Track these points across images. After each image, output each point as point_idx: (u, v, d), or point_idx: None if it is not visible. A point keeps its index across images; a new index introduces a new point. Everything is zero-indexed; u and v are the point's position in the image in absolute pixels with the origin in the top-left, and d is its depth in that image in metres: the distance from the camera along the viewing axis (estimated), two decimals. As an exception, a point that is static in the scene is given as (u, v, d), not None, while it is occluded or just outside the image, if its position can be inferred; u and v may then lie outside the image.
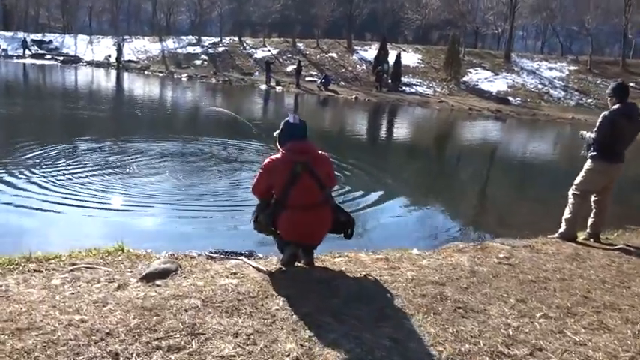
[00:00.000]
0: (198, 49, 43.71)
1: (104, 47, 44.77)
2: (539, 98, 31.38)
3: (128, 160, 8.76)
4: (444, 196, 8.96)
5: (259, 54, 41.73)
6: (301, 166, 3.43)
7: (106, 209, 6.03)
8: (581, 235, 5.50)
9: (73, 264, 3.76)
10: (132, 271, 3.64)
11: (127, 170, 7.94)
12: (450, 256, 4.31)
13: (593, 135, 5.31)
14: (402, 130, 19.94)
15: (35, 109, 15.57)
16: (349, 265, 3.95)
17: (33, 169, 7.45)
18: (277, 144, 3.69)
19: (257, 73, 37.19)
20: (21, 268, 3.67)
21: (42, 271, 3.62)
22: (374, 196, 7.55)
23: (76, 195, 6.37)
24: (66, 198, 6.24)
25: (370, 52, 39.40)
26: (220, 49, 43.34)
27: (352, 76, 36.75)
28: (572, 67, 35.43)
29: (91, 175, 7.38)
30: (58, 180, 6.99)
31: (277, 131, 3.72)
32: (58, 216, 5.69)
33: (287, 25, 48.33)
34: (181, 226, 5.78)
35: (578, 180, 5.43)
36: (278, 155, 3.54)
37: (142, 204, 6.33)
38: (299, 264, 3.79)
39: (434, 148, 16.23)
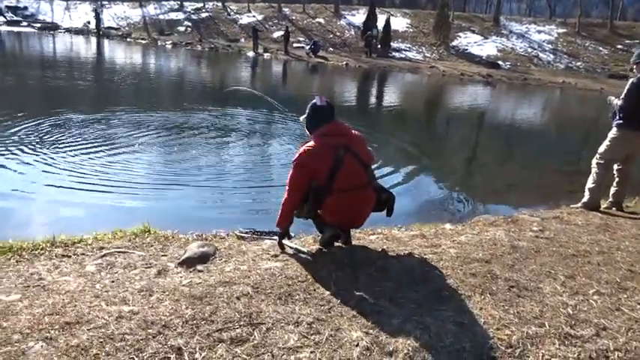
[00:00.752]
0: (180, 15, 42.51)
1: (82, 13, 43.32)
2: (529, 62, 31.26)
3: (133, 134, 8.45)
4: (455, 166, 8.87)
5: (244, 20, 40.74)
6: (343, 149, 3.28)
7: (117, 188, 5.79)
8: (602, 204, 5.47)
9: (102, 248, 3.61)
10: (166, 255, 3.50)
11: (134, 146, 7.64)
12: (484, 231, 4.23)
13: (619, 102, 5.20)
14: (399, 98, 19.70)
15: (25, 79, 14.89)
16: (387, 243, 3.85)
17: (33, 146, 7.14)
18: (307, 129, 3.52)
19: (243, 40, 36.37)
20: (47, 253, 3.51)
21: (70, 257, 3.47)
22: (386, 169, 7.42)
23: (83, 175, 6.10)
24: (73, 177, 5.98)
25: (358, 17, 38.70)
26: (204, 15, 42.19)
27: (340, 41, 36.14)
28: (560, 30, 35.24)
29: (94, 152, 7.09)
30: (61, 157, 6.71)
31: (304, 116, 3.54)
32: (67, 197, 5.42)
33: (271, -12, 47.03)
34: (201, 205, 5.57)
35: (602, 148, 5.35)
36: (312, 142, 3.36)
37: (157, 182, 6.07)
38: (337, 243, 3.67)
39: (435, 116, 16.11)
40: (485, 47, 33.22)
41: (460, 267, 3.31)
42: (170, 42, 34.06)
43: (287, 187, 3.39)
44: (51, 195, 5.42)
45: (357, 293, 2.84)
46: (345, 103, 15.94)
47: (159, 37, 36.22)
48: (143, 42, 34.26)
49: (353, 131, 3.45)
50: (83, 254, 3.50)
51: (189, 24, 40.45)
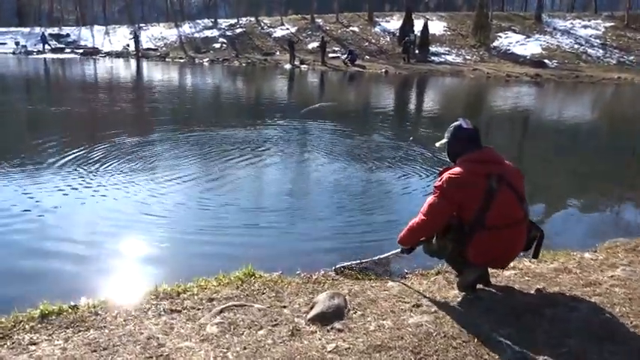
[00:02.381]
0: (215, 32, 42.90)
1: (121, 36, 44.23)
2: (577, 59, 30.03)
3: (207, 157, 8.11)
4: (547, 175, 8.11)
5: (278, 33, 40.77)
6: (497, 179, 2.81)
7: (198, 222, 5.38)
8: None
9: (212, 299, 3.21)
10: (286, 306, 3.08)
11: (212, 171, 7.31)
12: (634, 259, 3.66)
13: None
14: (456, 103, 18.95)
15: (92, 104, 14.62)
16: (530, 281, 3.33)
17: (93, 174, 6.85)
18: (448, 156, 3.10)
19: (278, 53, 36.33)
20: (154, 307, 3.13)
21: (181, 311, 3.09)
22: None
23: (148, 205, 5.73)
24: (144, 214, 5.61)
25: (392, 23, 38.17)
26: (238, 31, 42.44)
27: (376, 49, 35.65)
28: (607, 24, 33.81)
29: (167, 180, 6.72)
30: (129, 188, 6.35)
31: (444, 140, 3.10)
32: (145, 235, 5.03)
33: (304, 0, 47.06)
34: (287, 236, 5.11)
35: None
36: (460, 168, 2.90)
37: (238, 213, 5.60)
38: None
39: (506, 121, 15.13)
40: (529, 46, 32.13)
41: (642, 314, 2.76)
42: (207, 59, 34.31)
43: (423, 212, 2.96)
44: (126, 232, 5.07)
45: (542, 358, 2.34)
46: (402, 112, 15.43)
47: (196, 55, 36.59)
48: (181, 61, 34.63)
49: (504, 159, 2.97)
50: (194, 308, 3.11)
51: (225, 40, 40.74)
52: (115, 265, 4.32)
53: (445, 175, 2.91)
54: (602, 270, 3.50)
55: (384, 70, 28.32)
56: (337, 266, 4.02)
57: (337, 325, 2.70)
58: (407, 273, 3.87)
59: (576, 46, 31.86)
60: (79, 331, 2.87)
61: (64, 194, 5.96)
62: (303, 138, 10.13)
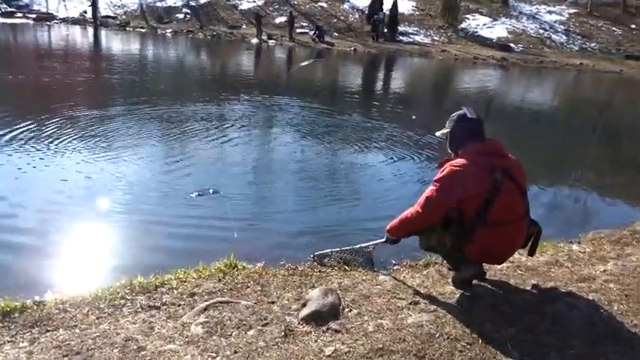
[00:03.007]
0: (178, 2, 41.24)
1: (77, 2, 41.98)
2: (541, 44, 30.47)
3: (174, 133, 7.74)
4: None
5: (244, 5, 39.59)
6: (501, 172, 2.67)
7: (167, 206, 5.09)
8: None
9: (193, 294, 2.99)
10: (274, 302, 2.89)
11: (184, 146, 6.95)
12: (625, 254, 3.64)
13: None
14: (426, 84, 18.93)
15: (46, 74, 13.64)
16: (523, 275, 3.26)
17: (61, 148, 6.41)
18: (450, 146, 2.94)
19: (244, 26, 35.36)
20: (129, 303, 2.89)
21: (160, 308, 2.86)
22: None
23: (117, 189, 5.41)
24: (112, 193, 5.29)
25: (361, 0, 37.64)
26: (202, 1, 40.95)
27: (345, 26, 35.11)
28: (571, 10, 34.36)
29: (131, 159, 6.34)
30: (92, 166, 5.98)
31: (445, 130, 2.93)
32: (114, 221, 4.72)
33: (271, -27, 45.75)
34: (262, 220, 4.89)
35: None
36: (463, 160, 2.74)
37: (209, 195, 5.38)
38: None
39: (472, 103, 15.23)
40: (496, 29, 32.37)
41: (642, 312, 2.71)
42: (170, 30, 33.03)
43: (419, 204, 2.79)
44: (95, 216, 4.75)
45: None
46: (374, 91, 15.27)
47: (158, 26, 35.11)
48: (142, 31, 33.20)
49: (510, 154, 2.84)
50: (174, 304, 2.89)
51: (188, 11, 39.27)
52: (79, 256, 3.98)
53: (447, 168, 2.76)
54: (592, 264, 3.46)
55: (352, 48, 27.99)
56: (316, 254, 3.86)
57: (333, 325, 2.53)
58: (395, 265, 3.74)
59: (541, 31, 32.30)
60: (47, 331, 2.61)
61: (13, 176, 5.48)
62: (277, 116, 9.84)
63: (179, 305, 2.88)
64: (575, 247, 3.81)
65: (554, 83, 21.37)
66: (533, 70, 24.25)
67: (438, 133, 3.00)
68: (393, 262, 3.77)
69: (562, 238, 4.17)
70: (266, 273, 3.36)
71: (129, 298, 2.95)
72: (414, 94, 16.12)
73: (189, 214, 4.80)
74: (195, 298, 2.96)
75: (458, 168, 2.70)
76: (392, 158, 7.19)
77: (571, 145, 9.46)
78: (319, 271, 3.44)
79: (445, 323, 2.52)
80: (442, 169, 2.79)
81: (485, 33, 32.22)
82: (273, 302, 2.89)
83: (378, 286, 3.05)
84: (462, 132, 2.83)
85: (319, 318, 2.58)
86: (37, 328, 2.61)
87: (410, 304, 2.75)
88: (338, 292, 2.94)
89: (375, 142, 8.11)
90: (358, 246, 3.75)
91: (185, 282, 3.18)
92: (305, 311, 2.65)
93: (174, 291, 3.05)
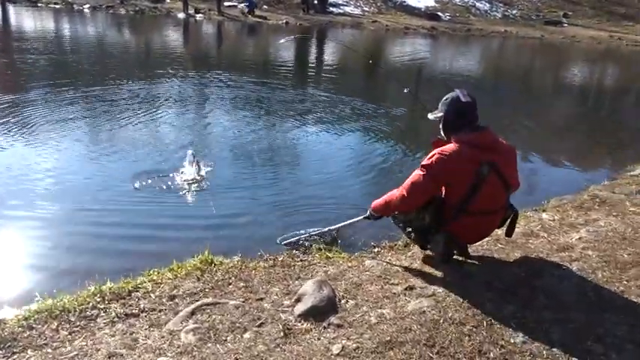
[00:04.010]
0: (94, -25, 38.58)
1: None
2: (467, 12, 31.28)
3: (109, 115, 7.19)
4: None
5: (167, -23, 37.63)
6: (488, 167, 2.68)
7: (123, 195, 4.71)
8: None
9: (173, 296, 2.78)
10: (262, 299, 2.74)
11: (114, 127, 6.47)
12: (592, 220, 3.78)
13: None
14: (362, 56, 18.82)
15: None
16: (504, 248, 3.29)
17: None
18: (442, 130, 2.90)
19: (168, 0, 33.69)
20: (104, 313, 2.64)
21: (139, 315, 2.65)
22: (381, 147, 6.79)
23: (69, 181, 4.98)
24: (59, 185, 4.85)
25: (289, -29, 36.85)
26: (120, -26, 38.52)
27: (274, -2, 34.34)
28: (493, -22, 35.40)
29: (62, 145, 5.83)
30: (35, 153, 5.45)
31: (437, 113, 2.89)
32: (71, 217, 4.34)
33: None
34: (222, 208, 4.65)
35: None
36: (453, 147, 2.73)
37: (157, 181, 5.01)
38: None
39: (406, 71, 15.41)
40: (423, -1, 32.82)
41: (626, 278, 2.81)
42: (88, 6, 30.81)
43: (405, 188, 2.82)
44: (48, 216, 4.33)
45: (556, 337, 2.27)
46: (311, 64, 15.04)
47: (74, 1, 32.75)
48: (57, 7, 30.81)
49: (504, 143, 2.81)
50: (154, 310, 2.67)
51: (106, -15, 36.83)
52: (25, 263, 3.58)
53: (435, 155, 2.73)
54: (565, 232, 3.56)
55: (284, 21, 27.44)
56: (284, 242, 3.77)
57: (334, 319, 2.43)
58: (374, 246, 3.69)
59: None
60: (13, 353, 2.34)
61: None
62: (217, 93, 9.43)
63: (160, 311, 2.67)
64: (544, 215, 3.91)
65: (483, 50, 22.04)
66: (461, 39, 24.87)
67: (430, 116, 2.94)
68: (372, 243, 3.72)
69: (527, 207, 4.27)
70: (246, 267, 3.20)
71: (101, 307, 2.70)
72: (351, 65, 16.06)
73: (138, 207, 4.43)
74: (177, 301, 2.75)
75: (446, 157, 2.70)
76: (346, 131, 7.12)
77: (509, 112, 9.77)
78: (301, 260, 3.32)
79: (446, 307, 2.48)
80: (431, 154, 2.75)
81: (413, 2, 32.60)
82: (261, 299, 2.74)
83: (367, 272, 2.97)
84: (454, 116, 2.80)
85: (318, 313, 2.46)
86: (1, 352, 2.33)
87: (405, 289, 2.69)
88: (328, 281, 2.84)
89: (331, 116, 8.00)
90: (341, 225, 3.70)
91: (161, 284, 2.95)
92: (301, 307, 2.52)
93: (151, 295, 2.82)
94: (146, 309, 2.68)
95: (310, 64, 16.20)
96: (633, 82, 16.09)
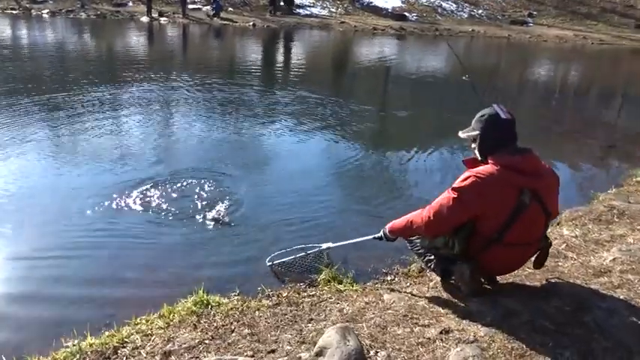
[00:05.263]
0: (51, -22, 37.17)
1: None
2: (434, 12, 31.32)
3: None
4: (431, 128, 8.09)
5: (128, -20, 36.55)
6: (530, 194, 2.38)
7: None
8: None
9: (168, 353, 2.36)
10: (274, 351, 2.34)
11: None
12: (613, 233, 3.50)
13: None
14: (335, 56, 18.56)
15: None
16: (532, 272, 2.98)
17: None
18: (478, 151, 2.56)
19: (131, 3, 32.70)
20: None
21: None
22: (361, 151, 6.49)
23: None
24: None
25: (254, -27, 36.29)
26: (79, -23, 37.22)
27: (240, 0, 33.75)
28: (457, -22, 35.64)
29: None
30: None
31: (472, 131, 2.56)
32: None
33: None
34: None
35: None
36: (490, 169, 2.41)
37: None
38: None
39: (376, 73, 15.18)
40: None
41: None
42: (47, 11, 29.58)
43: (432, 210, 2.49)
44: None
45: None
46: (297, 68, 14.62)
47: (31, 6, 31.39)
48: (13, 12, 29.51)
49: (547, 168, 2.52)
50: (149, 373, 2.24)
51: (64, -12, 35.52)
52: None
53: (470, 177, 2.38)
54: (594, 251, 3.28)
55: (251, 24, 26.92)
56: (273, 263, 3.42)
57: (367, 379, 2.05)
58: (385, 273, 3.33)
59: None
60: None
61: None
62: (182, 98, 8.90)
63: (158, 375, 2.23)
64: (565, 231, 3.62)
65: (450, 50, 22.01)
66: (430, 39, 24.85)
67: (462, 135, 2.60)
68: (383, 270, 3.36)
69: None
70: (247, 307, 2.79)
71: (78, 368, 2.26)
72: (322, 66, 15.76)
73: (112, 239, 3.84)
74: (173, 358, 2.33)
75: (483, 181, 2.38)
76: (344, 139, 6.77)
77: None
78: (309, 296, 2.93)
79: (495, 357, 2.14)
80: (465, 176, 2.41)
81: (380, 3, 32.45)
82: (273, 351, 2.34)
83: (390, 311, 2.61)
84: (493, 136, 2.47)
85: (347, 371, 2.08)
86: None
87: (440, 332, 2.34)
88: (348, 323, 2.46)
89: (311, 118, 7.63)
90: (325, 246, 3.36)
91: (151, 335, 2.52)
92: (326, 364, 2.13)
93: (141, 351, 2.39)
94: (139, 372, 2.25)
95: (289, 66, 15.78)
96: (607, 81, 16.27)
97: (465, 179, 2.40)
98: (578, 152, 7.10)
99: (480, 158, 2.54)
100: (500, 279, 2.86)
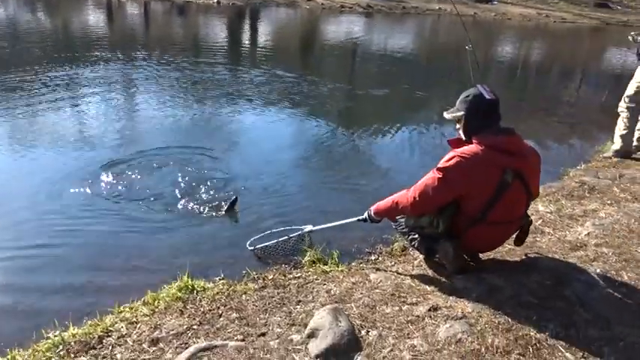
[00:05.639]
0: (0, -48, 35.25)
1: None
2: (400, -10, 31.28)
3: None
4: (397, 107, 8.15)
5: (83, -45, 35.01)
6: (513, 174, 2.41)
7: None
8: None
9: (156, 340, 2.32)
10: (264, 334, 2.33)
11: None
12: (585, 208, 3.62)
13: None
14: (303, 34, 18.33)
15: None
16: (512, 249, 3.05)
17: None
18: (462, 131, 2.59)
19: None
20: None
21: (118, 371, 2.15)
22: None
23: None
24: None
25: (217, -52, 35.31)
26: (31, -49, 35.42)
27: (203, -24, 32.79)
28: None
29: None
30: None
31: (456, 112, 2.58)
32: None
33: None
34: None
35: (631, 91, 4.98)
36: (474, 149, 2.44)
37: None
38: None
39: (344, 50, 15.11)
40: (356, -24, 32.44)
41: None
42: (-4, -14, 28.11)
43: (417, 191, 2.52)
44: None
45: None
46: (265, 47, 14.37)
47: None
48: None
49: (530, 148, 2.56)
50: (137, 361, 2.20)
51: (15, -38, 33.76)
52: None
53: (455, 157, 2.41)
54: (569, 225, 3.39)
55: (215, 1, 26.25)
56: (256, 247, 3.42)
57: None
58: (369, 252, 3.36)
59: (398, -24, 33.11)
60: None
61: None
62: (141, 77, 8.66)
63: (148, 364, 2.20)
64: (540, 207, 3.71)
65: (419, 29, 22.10)
66: (398, 17, 24.86)
67: (447, 116, 2.62)
68: (366, 249, 3.39)
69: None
70: (234, 291, 2.77)
71: (62, 356, 2.20)
72: (291, 44, 15.57)
73: (90, 224, 3.74)
74: (161, 345, 2.29)
75: (467, 161, 2.41)
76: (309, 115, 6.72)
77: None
78: (295, 278, 2.93)
79: (483, 332, 2.18)
80: (449, 156, 2.43)
81: (347, -20, 32.15)
82: (264, 334, 2.33)
83: (377, 290, 2.63)
84: (477, 116, 2.49)
85: (341, 352, 2.09)
86: None
87: (429, 310, 2.37)
88: (336, 304, 2.47)
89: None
90: (332, 224, 3.32)
91: (137, 323, 2.47)
92: (318, 345, 2.13)
93: (128, 340, 2.34)
94: (125, 360, 2.20)
95: (260, 45, 15.51)
96: (569, 59, 16.65)
97: (450, 159, 2.43)
98: (545, 129, 7.26)
99: (464, 138, 2.57)
100: (482, 255, 2.91)
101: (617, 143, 5.09)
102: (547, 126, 7.57)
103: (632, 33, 5.01)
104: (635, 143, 5.16)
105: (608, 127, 5.56)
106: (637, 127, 5.12)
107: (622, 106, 5.02)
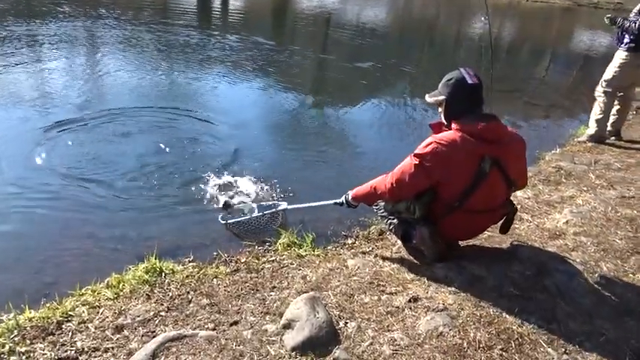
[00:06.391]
0: None
1: None
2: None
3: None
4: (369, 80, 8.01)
5: None
6: (491, 162, 2.32)
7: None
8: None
9: (120, 327, 2.18)
10: (237, 322, 2.22)
11: None
12: (562, 194, 3.59)
13: (630, 23, 4.70)
14: (270, 5, 17.76)
15: None
16: (492, 235, 3.00)
17: None
18: (443, 115, 2.49)
19: None
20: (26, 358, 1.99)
21: (77, 360, 2.01)
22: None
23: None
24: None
25: None
26: None
27: None
28: None
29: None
30: None
31: (438, 95, 2.47)
32: None
33: None
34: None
35: (608, 75, 4.96)
36: (452, 136, 2.34)
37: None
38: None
39: (310, 22, 14.73)
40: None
41: (631, 270, 2.63)
42: None
43: (394, 177, 2.46)
44: None
45: (594, 354, 2.00)
46: (237, 11, 13.85)
47: None
48: None
49: (512, 134, 2.45)
50: (97, 349, 2.06)
51: None
52: None
53: (432, 144, 2.32)
54: (547, 212, 3.36)
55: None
56: (228, 222, 3.29)
57: (340, 353, 1.97)
58: (345, 235, 3.25)
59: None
60: None
61: None
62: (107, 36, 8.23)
63: (106, 350, 2.05)
64: (518, 192, 3.65)
65: (391, 3, 21.78)
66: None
67: (429, 99, 2.50)
68: (343, 232, 3.28)
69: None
70: (204, 275, 2.63)
71: (23, 350, 2.04)
72: (263, 11, 15.11)
73: (41, 192, 3.51)
74: (126, 333, 2.15)
75: (444, 148, 2.31)
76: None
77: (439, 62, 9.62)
78: (269, 262, 2.80)
79: (465, 325, 2.12)
80: (427, 142, 2.33)
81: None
82: (236, 322, 2.22)
83: (355, 278, 2.53)
84: (459, 100, 2.40)
85: (318, 345, 1.99)
86: None
87: (409, 301, 2.29)
88: (312, 292, 2.37)
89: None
90: (307, 205, 3.20)
91: (99, 307, 2.32)
92: (294, 337, 2.03)
93: (89, 326, 2.19)
94: (86, 349, 2.05)
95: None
96: (541, 40, 16.70)
97: (427, 145, 2.34)
98: (519, 112, 7.24)
99: (445, 123, 2.47)
100: (462, 242, 2.85)
101: (592, 128, 5.09)
102: (521, 107, 7.55)
103: (608, 15, 4.95)
104: (608, 128, 5.18)
105: (583, 109, 5.56)
106: (612, 113, 5.13)
107: (599, 91, 5.01)
